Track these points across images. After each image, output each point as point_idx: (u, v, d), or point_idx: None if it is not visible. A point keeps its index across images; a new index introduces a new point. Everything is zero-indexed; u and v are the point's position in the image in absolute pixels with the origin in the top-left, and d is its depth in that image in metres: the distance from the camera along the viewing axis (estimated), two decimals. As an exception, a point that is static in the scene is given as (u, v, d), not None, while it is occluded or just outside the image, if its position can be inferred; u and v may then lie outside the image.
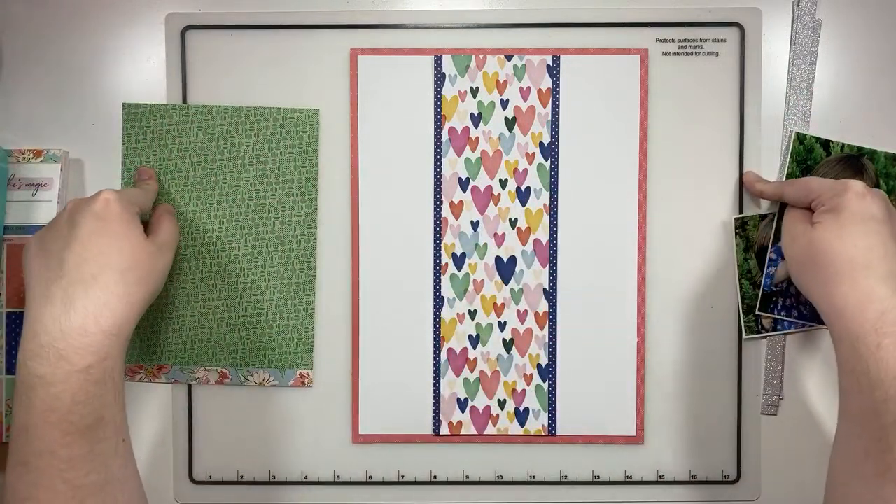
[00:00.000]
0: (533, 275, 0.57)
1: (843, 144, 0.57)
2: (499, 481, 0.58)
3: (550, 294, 0.57)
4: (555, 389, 0.58)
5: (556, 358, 0.58)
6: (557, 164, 0.57)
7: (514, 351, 0.58)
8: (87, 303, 0.45)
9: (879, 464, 0.43)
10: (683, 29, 0.57)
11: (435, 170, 0.57)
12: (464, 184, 0.57)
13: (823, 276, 0.47)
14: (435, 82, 0.57)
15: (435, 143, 0.57)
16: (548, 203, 0.57)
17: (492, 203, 0.57)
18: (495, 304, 0.58)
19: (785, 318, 0.57)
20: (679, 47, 0.57)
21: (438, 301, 0.58)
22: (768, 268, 0.56)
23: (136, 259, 0.48)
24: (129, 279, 0.47)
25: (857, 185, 0.48)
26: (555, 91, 0.57)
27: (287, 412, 0.58)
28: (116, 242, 0.47)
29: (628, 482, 0.58)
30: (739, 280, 0.57)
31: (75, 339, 0.44)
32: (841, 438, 0.46)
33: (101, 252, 0.46)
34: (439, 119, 0.57)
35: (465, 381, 0.58)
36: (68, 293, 0.45)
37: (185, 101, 0.57)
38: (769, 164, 0.58)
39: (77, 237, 0.47)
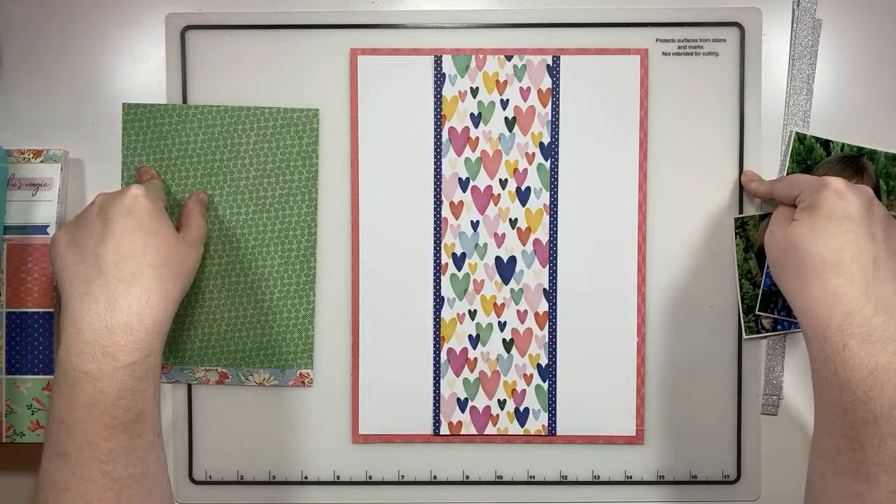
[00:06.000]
0: (533, 275, 0.57)
1: (843, 144, 0.57)
2: (499, 481, 0.58)
3: (550, 294, 0.57)
4: (555, 389, 0.58)
5: (556, 358, 0.58)
6: (557, 164, 0.57)
7: (514, 351, 0.58)
8: (129, 301, 0.46)
9: (851, 461, 0.43)
10: (683, 29, 0.57)
11: (435, 170, 0.57)
12: (464, 184, 0.57)
13: (795, 274, 0.47)
14: (435, 82, 0.57)
15: (435, 143, 0.57)
16: (548, 203, 0.57)
17: (492, 203, 0.57)
18: (495, 304, 0.58)
19: (785, 318, 0.57)
20: (679, 47, 0.57)
21: (438, 301, 0.58)
22: (768, 268, 0.56)
23: (169, 255, 0.49)
24: (164, 276, 0.48)
25: (836, 183, 0.47)
26: (555, 91, 0.57)
27: (287, 412, 0.58)
28: (151, 239, 0.48)
29: (628, 482, 0.58)
30: (739, 280, 0.57)
31: (120, 337, 0.45)
32: (816, 434, 0.47)
33: (136, 249, 0.47)
34: (439, 119, 0.57)
35: (465, 381, 0.58)
36: (110, 291, 0.46)
37: (185, 101, 0.57)
38: (769, 164, 0.58)
39: (111, 233, 0.47)
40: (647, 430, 0.58)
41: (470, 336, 0.58)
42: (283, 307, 0.57)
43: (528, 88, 0.57)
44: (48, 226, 0.56)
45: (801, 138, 0.57)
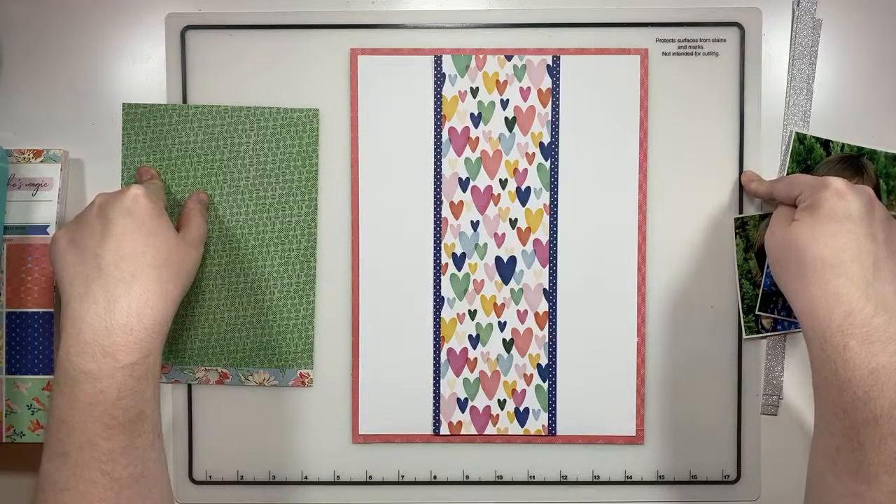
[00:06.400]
0: (533, 275, 0.57)
1: (843, 144, 0.57)
2: (499, 481, 0.58)
3: (550, 294, 0.57)
4: (555, 389, 0.58)
5: (556, 358, 0.58)
6: (557, 164, 0.57)
7: (514, 351, 0.58)
8: (129, 301, 0.46)
9: (851, 461, 0.44)
10: (683, 29, 0.57)
11: (435, 170, 0.57)
12: (464, 184, 0.57)
13: (796, 274, 0.47)
14: (435, 82, 0.57)
15: (435, 143, 0.57)
16: (548, 203, 0.57)
17: (492, 203, 0.57)
18: (495, 304, 0.58)
19: (785, 318, 0.57)
20: (679, 47, 0.57)
21: (438, 301, 0.58)
22: (768, 268, 0.56)
23: (169, 255, 0.49)
24: (164, 276, 0.48)
25: (837, 183, 0.47)
26: (555, 91, 0.57)
27: (287, 412, 0.58)
28: (150, 239, 0.48)
29: (628, 482, 0.58)
30: (739, 280, 0.57)
31: (120, 338, 0.45)
32: (817, 434, 0.47)
33: (136, 249, 0.47)
34: (439, 119, 0.57)
35: (465, 381, 0.58)
36: (110, 292, 0.46)
37: (185, 101, 0.57)
38: (769, 164, 0.58)
39: (111, 233, 0.47)
40: (647, 430, 0.58)
41: (470, 336, 0.58)
42: (283, 307, 0.57)
43: (528, 88, 0.57)
44: (48, 226, 0.56)
45: (801, 138, 0.57)
